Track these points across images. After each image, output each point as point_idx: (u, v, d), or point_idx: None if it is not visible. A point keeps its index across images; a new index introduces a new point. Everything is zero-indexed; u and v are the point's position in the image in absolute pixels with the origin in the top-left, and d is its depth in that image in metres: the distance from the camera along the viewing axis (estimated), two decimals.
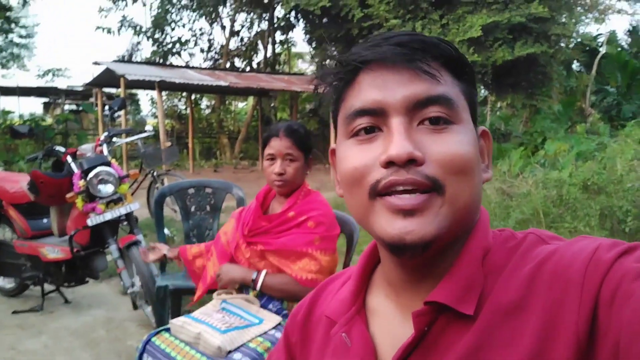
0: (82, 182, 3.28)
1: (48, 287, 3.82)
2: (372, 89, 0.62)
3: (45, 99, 21.76)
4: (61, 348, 3.15)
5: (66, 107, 21.11)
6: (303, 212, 2.02)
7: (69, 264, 3.58)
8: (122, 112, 10.37)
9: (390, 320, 0.69)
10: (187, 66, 15.08)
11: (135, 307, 3.53)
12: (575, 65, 18.72)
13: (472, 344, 0.58)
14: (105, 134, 3.69)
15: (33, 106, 33.65)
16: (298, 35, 31.80)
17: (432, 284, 0.63)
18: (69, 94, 20.63)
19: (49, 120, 16.83)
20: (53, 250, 3.55)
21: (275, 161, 2.00)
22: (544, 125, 12.33)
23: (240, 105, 23.62)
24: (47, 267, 3.62)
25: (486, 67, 10.84)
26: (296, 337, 0.82)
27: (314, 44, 16.98)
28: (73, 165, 3.39)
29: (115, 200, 3.40)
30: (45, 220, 3.84)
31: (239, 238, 2.05)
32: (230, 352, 1.71)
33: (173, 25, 17.61)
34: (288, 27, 17.60)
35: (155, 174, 5.97)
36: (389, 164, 0.58)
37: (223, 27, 18.20)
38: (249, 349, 1.73)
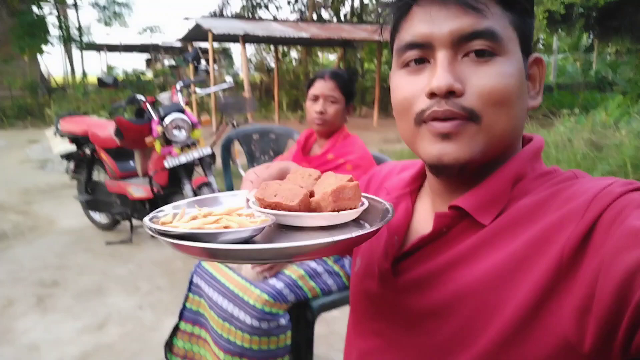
0: (159, 128, 3.58)
1: (136, 222, 4.27)
2: (422, 23, 0.66)
3: (147, 55, 23.14)
4: (144, 275, 3.55)
5: (166, 62, 22.34)
6: (341, 154, 2.12)
7: (151, 202, 3.98)
8: (210, 67, 10.82)
9: (425, 214, 0.80)
10: (272, 19, 15.24)
11: None
12: None
13: (475, 242, 0.66)
14: (180, 83, 3.96)
15: (135, 62, 35.84)
16: None
17: (462, 194, 0.71)
18: (168, 49, 21.76)
19: (149, 75, 17.93)
20: (138, 189, 3.95)
21: (318, 101, 2.11)
22: None
23: (331, 57, 23.59)
24: (133, 204, 4.05)
25: (588, 9, 9.97)
26: (374, 187, 0.95)
27: None
28: (152, 113, 3.70)
29: (189, 145, 3.69)
30: (131, 163, 4.26)
31: None
32: (266, 277, 1.89)
33: None
34: None
35: (235, 123, 6.27)
36: (432, 94, 0.64)
37: None
38: (284, 275, 1.90)
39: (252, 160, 3.47)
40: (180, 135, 3.62)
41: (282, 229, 0.68)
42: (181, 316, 2.08)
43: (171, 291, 3.24)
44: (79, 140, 4.36)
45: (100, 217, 4.61)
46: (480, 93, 0.63)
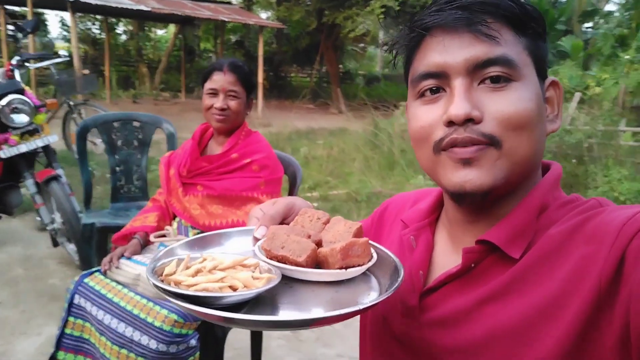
0: None
1: None
2: (435, 53, 0.67)
3: None
4: None
5: None
6: (246, 154, 1.97)
7: None
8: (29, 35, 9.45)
9: (446, 246, 0.78)
10: None
11: (55, 244, 3.38)
12: None
13: (507, 279, 0.64)
14: (17, 58, 3.34)
15: None
16: None
17: (485, 226, 0.70)
18: None
19: None
20: None
21: (218, 96, 1.93)
22: None
23: (160, 32, 22.24)
24: None
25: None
26: (390, 219, 0.92)
27: None
28: None
29: (30, 132, 3.15)
30: None
31: (176, 181, 1.96)
32: None
33: None
34: None
35: (71, 103, 5.55)
36: (450, 122, 0.64)
37: None
38: None
39: (114, 152, 3.08)
40: (20, 119, 3.07)
41: (286, 281, 0.67)
42: (59, 345, 1.76)
43: (16, 306, 2.74)
44: None
45: None
46: (499, 118, 0.63)
